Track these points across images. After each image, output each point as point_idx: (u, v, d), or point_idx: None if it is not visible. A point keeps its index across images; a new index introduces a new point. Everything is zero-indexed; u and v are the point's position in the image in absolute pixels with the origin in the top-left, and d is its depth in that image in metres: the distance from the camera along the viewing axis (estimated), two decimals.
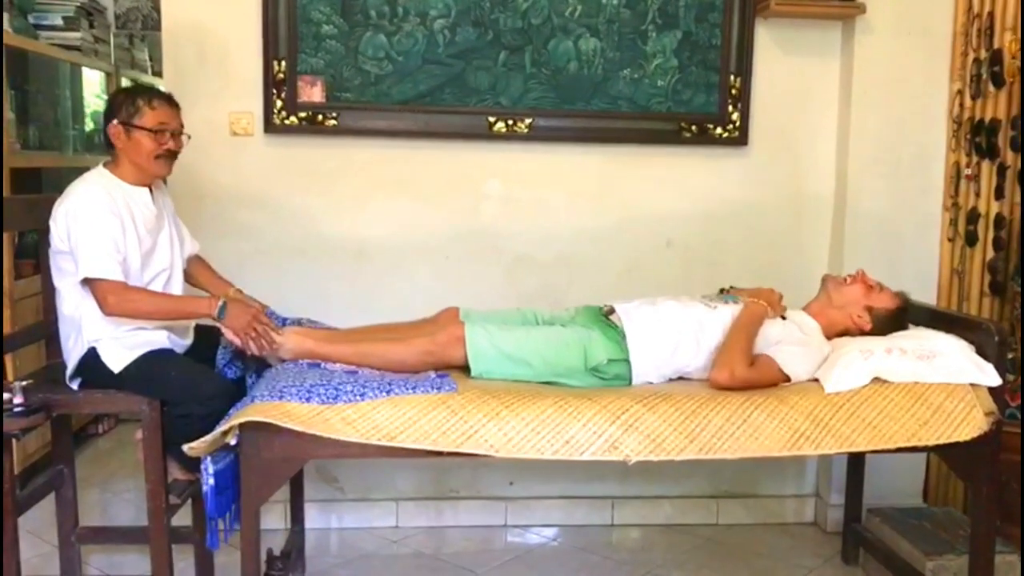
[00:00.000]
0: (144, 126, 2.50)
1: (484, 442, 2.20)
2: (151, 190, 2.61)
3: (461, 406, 2.23)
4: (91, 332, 2.50)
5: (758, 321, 2.57)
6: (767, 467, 3.47)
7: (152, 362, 2.50)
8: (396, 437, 2.19)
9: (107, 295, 2.41)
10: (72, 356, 2.54)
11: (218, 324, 2.48)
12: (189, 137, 2.62)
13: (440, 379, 2.36)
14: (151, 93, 2.57)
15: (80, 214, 2.44)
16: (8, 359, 2.60)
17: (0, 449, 2.40)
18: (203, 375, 2.53)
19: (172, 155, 2.58)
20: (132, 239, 2.50)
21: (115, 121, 2.50)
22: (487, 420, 2.21)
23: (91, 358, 2.50)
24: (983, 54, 3.21)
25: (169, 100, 2.57)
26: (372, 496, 3.38)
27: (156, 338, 2.55)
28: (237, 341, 2.47)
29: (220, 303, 2.47)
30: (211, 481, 2.27)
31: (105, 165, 2.59)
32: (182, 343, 2.65)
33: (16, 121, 3.68)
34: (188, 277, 2.81)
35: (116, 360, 2.48)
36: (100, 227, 2.43)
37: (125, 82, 4.79)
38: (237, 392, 2.47)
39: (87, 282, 2.43)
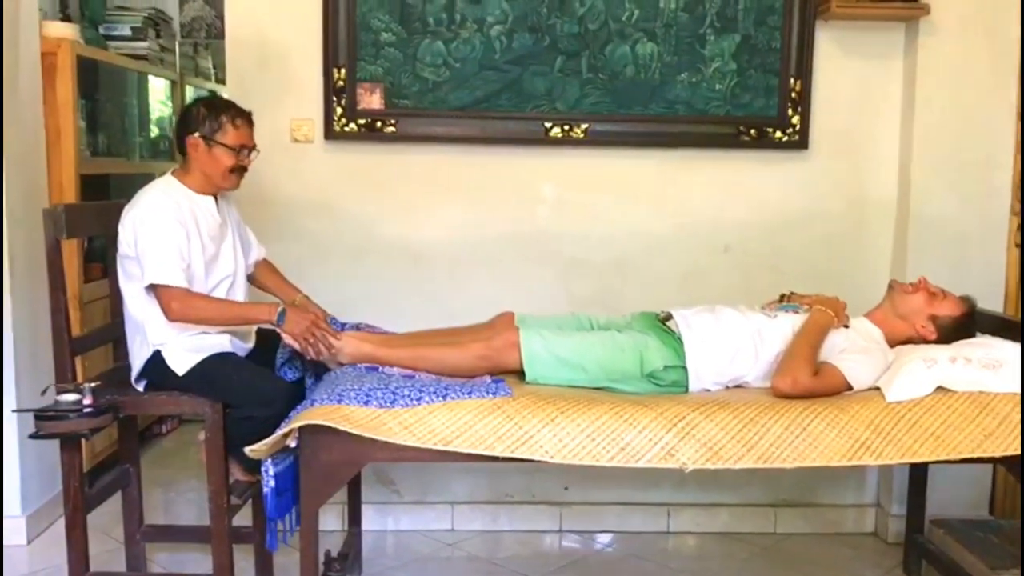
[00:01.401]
0: (225, 143, 2.57)
1: (539, 448, 2.20)
2: (216, 199, 2.67)
3: (516, 411, 2.23)
4: (156, 336, 2.56)
5: (824, 330, 2.53)
6: (826, 476, 3.41)
7: (215, 365, 2.55)
8: (452, 442, 2.20)
9: (171, 301, 2.48)
10: (137, 359, 2.61)
11: (277, 329, 2.52)
12: (259, 152, 2.68)
13: (495, 384, 2.37)
14: (234, 111, 2.62)
15: (147, 221, 2.50)
16: (78, 361, 2.67)
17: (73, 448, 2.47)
18: (264, 378, 2.58)
19: (244, 171, 2.65)
20: (196, 246, 2.55)
21: (196, 134, 2.57)
22: (542, 426, 2.21)
23: (156, 361, 2.56)
24: None
25: (249, 119, 2.64)
26: (428, 499, 3.41)
27: (219, 341, 2.60)
28: (296, 345, 2.52)
29: (280, 309, 2.51)
30: (271, 483, 2.31)
31: (173, 173, 2.66)
32: (244, 346, 2.70)
33: (86, 129, 3.78)
34: (256, 282, 2.88)
35: (180, 363, 2.54)
36: (166, 235, 2.49)
37: (190, 90, 4.90)
38: (297, 395, 2.51)
39: (152, 288, 2.50)
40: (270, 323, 2.52)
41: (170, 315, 2.49)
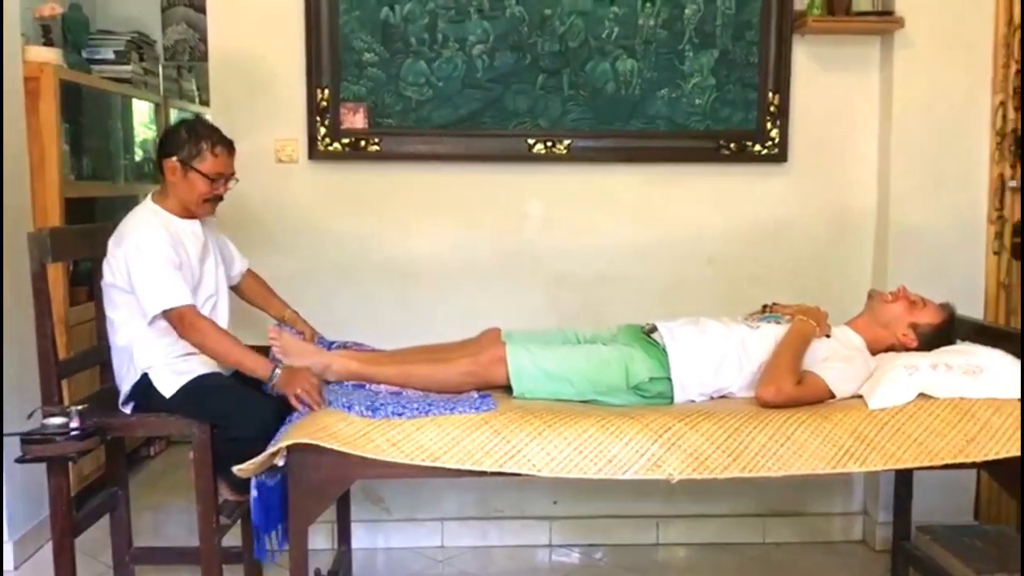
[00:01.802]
0: (202, 171, 2.57)
1: (527, 462, 2.21)
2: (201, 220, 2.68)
3: (504, 426, 2.25)
4: (143, 360, 2.57)
5: (806, 340, 2.56)
6: (814, 485, 3.44)
7: (202, 386, 2.56)
8: (440, 457, 2.21)
9: (182, 320, 2.48)
10: (125, 383, 2.61)
11: (271, 388, 2.45)
12: (237, 181, 2.68)
13: (481, 399, 2.39)
14: (215, 138, 2.60)
15: (140, 255, 2.49)
16: (64, 384, 2.67)
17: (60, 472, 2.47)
18: (251, 398, 2.57)
19: (219, 199, 2.65)
20: (186, 271, 2.56)
21: (175, 157, 2.56)
22: (529, 439, 2.22)
23: (143, 384, 2.57)
24: None
25: (230, 148, 2.62)
26: (418, 516, 3.41)
27: (206, 362, 2.61)
28: (280, 358, 2.52)
29: (274, 370, 2.45)
30: (255, 492, 2.31)
31: (153, 198, 2.66)
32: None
33: (70, 152, 3.79)
34: (244, 296, 2.89)
35: (167, 385, 2.55)
36: (161, 263, 2.48)
37: (174, 112, 4.91)
38: (285, 411, 2.52)
39: (164, 314, 2.48)
40: (263, 379, 2.47)
41: (181, 332, 2.49)
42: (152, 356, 2.56)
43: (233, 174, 2.65)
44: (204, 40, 4.31)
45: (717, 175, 3.34)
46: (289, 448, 2.23)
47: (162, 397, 2.55)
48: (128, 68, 4.36)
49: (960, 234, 3.30)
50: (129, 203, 4.47)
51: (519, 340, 2.62)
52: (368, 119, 3.22)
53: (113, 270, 2.56)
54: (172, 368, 2.57)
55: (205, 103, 4.92)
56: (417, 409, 2.29)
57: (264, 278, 2.97)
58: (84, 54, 4.23)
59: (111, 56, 4.30)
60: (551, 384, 2.50)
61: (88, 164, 4.05)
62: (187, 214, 2.64)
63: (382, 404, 2.30)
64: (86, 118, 4.03)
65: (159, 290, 2.47)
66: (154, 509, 3.76)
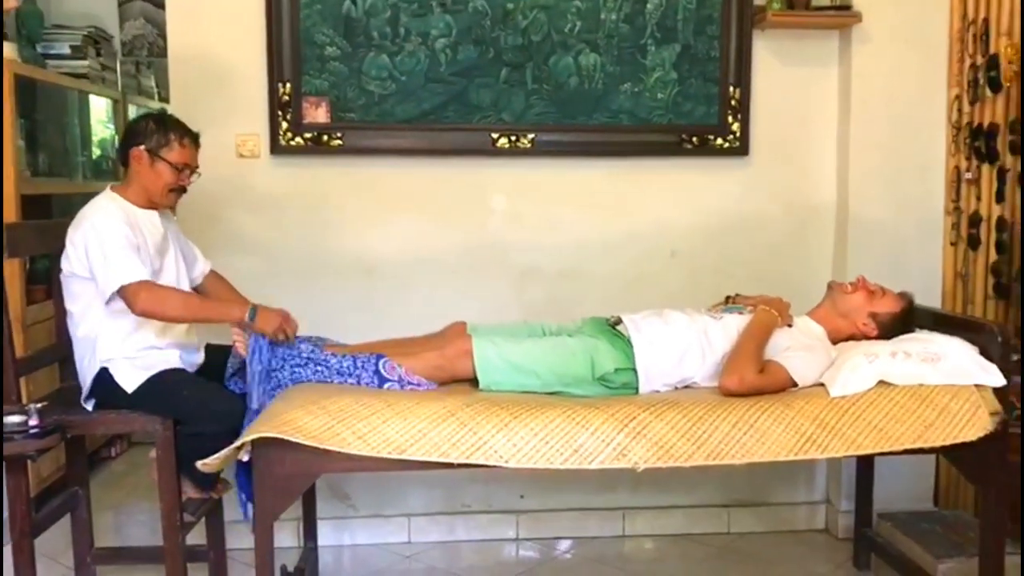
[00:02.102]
0: (169, 160, 2.58)
1: (494, 453, 2.22)
2: (159, 212, 2.66)
3: (470, 417, 2.25)
4: (104, 352, 2.54)
5: (768, 329, 2.59)
6: (778, 474, 3.48)
7: (164, 382, 2.54)
8: (407, 450, 2.21)
9: (139, 293, 2.44)
10: (86, 377, 2.58)
11: (249, 327, 2.49)
12: (199, 175, 2.69)
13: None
14: (182, 130, 2.62)
15: (97, 233, 2.48)
16: (22, 382, 2.63)
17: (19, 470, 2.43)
18: (215, 394, 2.57)
19: (183, 191, 2.66)
20: (145, 259, 2.53)
21: (142, 146, 2.57)
22: (496, 431, 2.23)
23: (104, 379, 2.54)
24: (979, 59, 3.24)
25: (196, 140, 2.65)
26: (384, 512, 3.40)
27: (167, 357, 2.59)
28: (243, 354, 2.50)
29: (250, 307, 2.51)
30: (245, 457, 2.29)
31: (113, 188, 2.65)
32: (194, 361, 2.69)
33: (26, 149, 3.72)
34: (207, 295, 2.86)
35: (129, 380, 2.52)
36: (118, 239, 2.47)
37: (133, 109, 4.85)
38: (246, 409, 2.50)
39: (119, 292, 2.45)
40: (241, 320, 2.50)
41: (137, 307, 2.44)
42: (113, 348, 2.54)
43: (197, 167, 2.66)
44: (163, 35, 4.27)
45: (680, 169, 3.37)
46: (254, 443, 2.22)
47: (124, 393, 2.52)
48: (85, 63, 4.29)
49: (918, 226, 3.35)
50: (86, 200, 4.41)
51: (485, 333, 2.63)
52: (330, 113, 3.20)
53: (71, 257, 2.53)
54: (134, 362, 2.54)
55: (164, 99, 4.85)
56: (348, 377, 2.47)
57: (226, 275, 2.94)
58: (39, 48, 4.16)
59: (67, 51, 4.24)
60: (517, 376, 2.51)
61: (44, 161, 3.99)
62: (148, 204, 2.63)
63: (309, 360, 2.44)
64: (41, 114, 3.96)
65: (115, 267, 2.45)
66: (116, 509, 3.72)
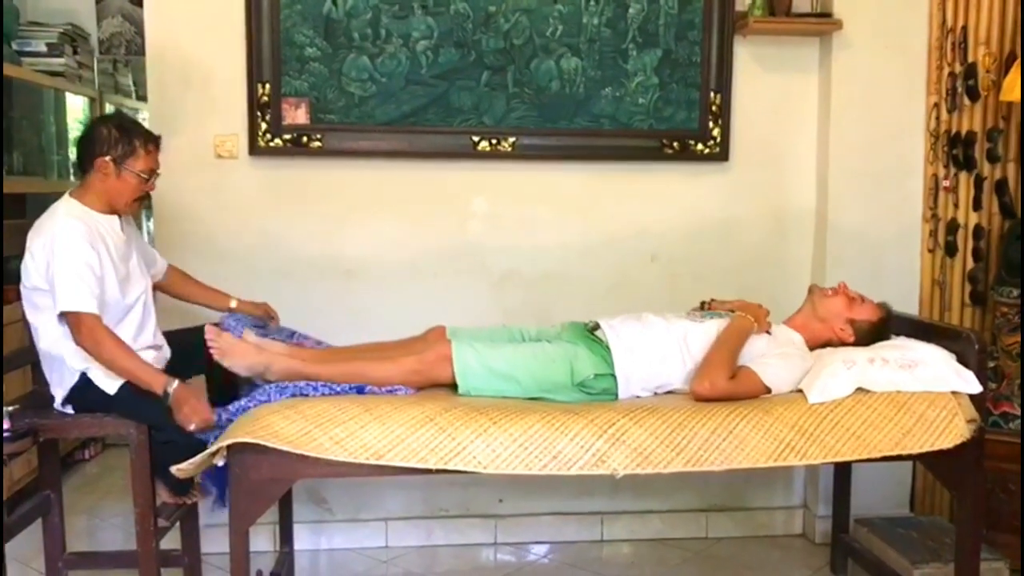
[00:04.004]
0: (135, 170, 2.52)
1: (472, 459, 2.20)
2: (119, 217, 2.61)
3: (449, 423, 2.23)
4: (79, 362, 2.49)
5: (744, 335, 2.59)
6: (755, 480, 3.49)
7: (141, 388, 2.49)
8: (384, 455, 2.19)
9: (81, 326, 2.39)
10: (60, 387, 2.54)
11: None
12: (159, 175, 2.62)
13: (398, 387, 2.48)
14: (145, 135, 2.55)
15: (59, 247, 2.41)
16: None
17: None
18: None
19: (147, 197, 2.63)
20: (109, 267, 2.49)
21: (107, 157, 2.49)
22: (475, 436, 2.21)
23: (83, 384, 2.50)
24: (958, 68, 3.26)
25: (158, 144, 2.57)
26: (361, 516, 3.38)
27: (144, 357, 2.55)
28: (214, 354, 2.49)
29: (169, 388, 2.41)
30: (221, 462, 2.26)
31: (72, 194, 2.57)
32: (164, 356, 2.69)
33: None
34: (177, 293, 2.86)
35: (110, 383, 2.48)
36: (79, 260, 2.41)
37: (110, 107, 4.80)
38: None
39: (63, 316, 2.41)
40: (157, 394, 2.42)
41: (77, 337, 2.40)
42: (82, 356, 2.48)
43: (158, 169, 2.60)
44: (140, 34, 4.21)
45: (660, 174, 3.37)
46: (230, 448, 2.20)
47: (104, 395, 2.48)
48: (61, 61, 4.24)
49: (896, 232, 3.37)
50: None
51: (465, 338, 2.61)
52: (310, 115, 3.18)
53: (30, 270, 2.46)
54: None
55: (142, 98, 4.82)
56: (326, 389, 2.37)
57: (203, 275, 2.93)
58: (14, 46, 4.11)
59: (43, 49, 4.19)
60: (497, 382, 2.50)
61: (19, 159, 3.94)
62: (108, 210, 2.57)
63: (288, 385, 2.37)
64: (16, 112, 3.92)
65: (69, 289, 2.39)
66: (89, 513, 3.68)
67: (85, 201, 2.54)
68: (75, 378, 2.50)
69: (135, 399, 2.47)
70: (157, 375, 2.45)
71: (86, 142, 2.54)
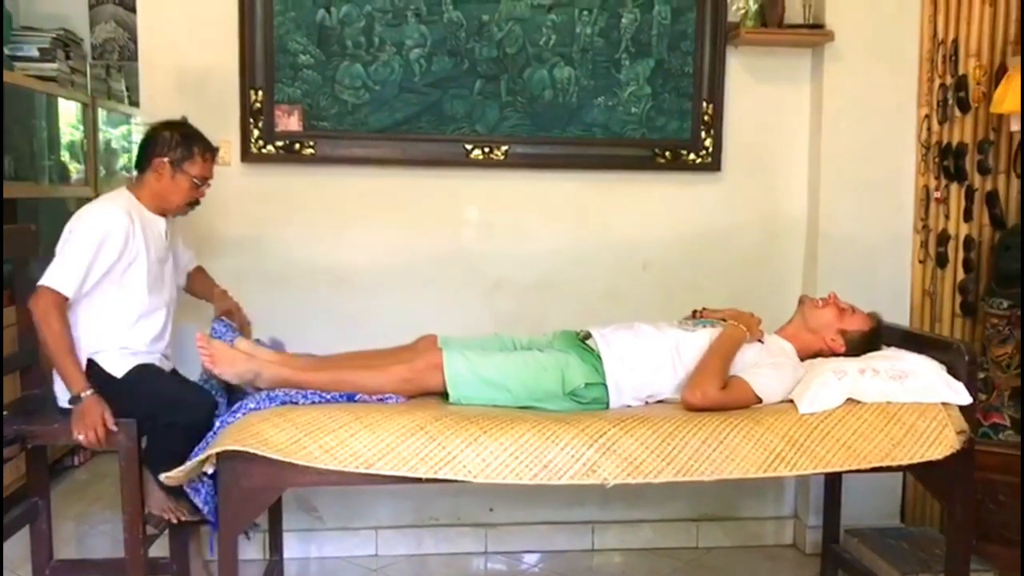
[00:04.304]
0: (192, 173, 2.62)
1: (462, 468, 2.19)
2: (166, 221, 2.71)
3: (439, 432, 2.23)
4: (91, 344, 2.55)
5: (736, 344, 2.59)
6: (746, 489, 3.48)
7: (148, 371, 2.59)
8: (374, 464, 2.18)
9: (40, 300, 2.44)
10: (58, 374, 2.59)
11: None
12: (210, 186, 2.72)
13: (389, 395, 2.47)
14: (205, 144, 2.66)
15: (83, 226, 2.51)
16: None
17: None
18: (190, 385, 2.62)
19: (198, 202, 2.72)
20: (141, 263, 2.58)
21: (166, 159, 2.60)
22: (465, 446, 2.21)
23: (91, 368, 2.54)
24: (949, 80, 3.28)
25: (215, 154, 2.71)
26: (352, 525, 3.37)
27: (150, 356, 2.64)
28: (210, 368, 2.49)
29: (84, 394, 2.45)
30: (210, 470, 2.26)
31: (128, 187, 2.68)
32: (168, 366, 2.75)
33: None
34: (190, 289, 2.93)
35: (118, 367, 2.55)
36: (88, 244, 2.48)
37: (102, 113, 4.80)
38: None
39: (39, 287, 2.46)
40: (71, 397, 2.47)
41: (32, 306, 2.46)
42: (100, 340, 2.56)
43: (212, 178, 2.71)
44: (134, 39, 4.22)
45: (653, 183, 3.38)
46: (219, 455, 2.19)
47: (111, 378, 2.53)
48: (54, 66, 4.24)
49: (887, 243, 3.38)
50: (53, 204, 4.36)
51: (456, 346, 2.60)
52: (303, 122, 3.18)
53: (62, 239, 2.54)
54: (127, 350, 2.58)
55: (135, 103, 4.82)
56: (316, 397, 2.36)
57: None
58: (7, 50, 4.10)
59: (35, 53, 4.19)
60: (488, 391, 2.49)
61: (10, 164, 3.92)
62: (160, 211, 2.67)
63: (279, 393, 2.37)
64: (8, 116, 3.90)
65: (59, 265, 2.46)
66: (77, 520, 3.66)
67: (139, 196, 2.64)
68: (83, 362, 2.54)
69: (139, 383, 2.54)
70: (80, 377, 2.47)
71: (148, 142, 2.65)
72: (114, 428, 2.46)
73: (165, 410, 2.47)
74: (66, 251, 2.48)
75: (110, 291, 2.56)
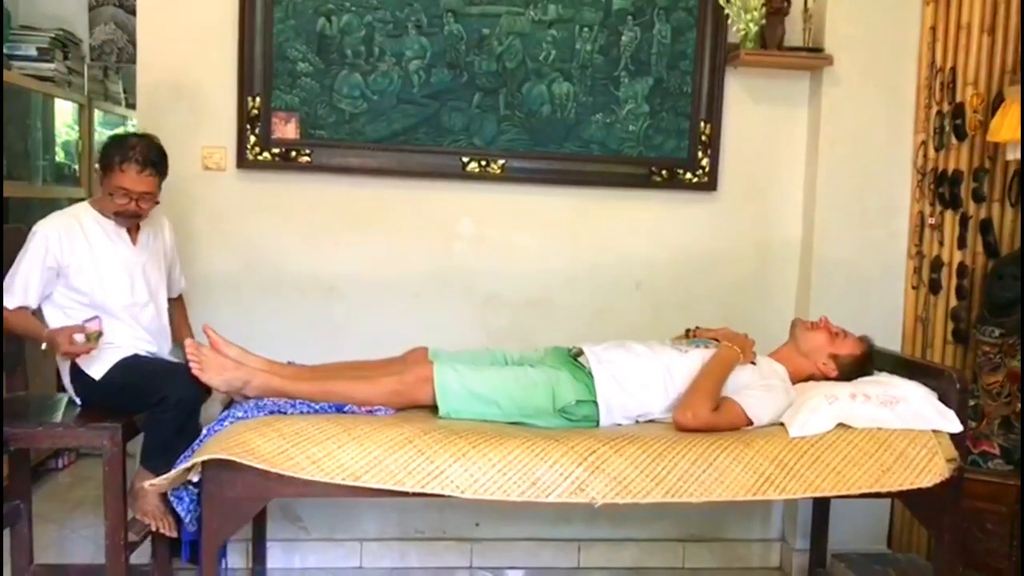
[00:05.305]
0: (112, 183, 2.62)
1: (450, 483, 2.18)
2: (136, 227, 2.76)
3: (428, 446, 2.21)
4: None
5: (729, 366, 2.59)
6: (733, 511, 3.47)
7: (128, 364, 2.64)
8: (361, 477, 2.17)
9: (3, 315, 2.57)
10: (67, 375, 2.71)
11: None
12: (158, 202, 2.73)
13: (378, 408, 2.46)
14: (128, 153, 2.61)
15: (29, 243, 2.61)
16: None
17: None
18: (176, 365, 2.65)
19: (131, 215, 2.68)
20: (86, 264, 2.64)
21: (97, 164, 2.67)
22: (453, 460, 2.19)
23: (74, 371, 2.65)
24: (946, 107, 3.29)
25: (142, 165, 2.61)
26: (336, 536, 3.34)
27: (134, 347, 2.71)
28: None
29: (44, 332, 2.55)
30: (195, 478, 2.26)
31: (91, 201, 2.77)
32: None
33: None
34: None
35: (96, 369, 2.62)
36: (33, 260, 2.59)
37: (99, 114, 4.78)
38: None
39: None
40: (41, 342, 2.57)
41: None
42: None
43: (147, 194, 2.66)
44: (133, 41, 4.21)
45: (648, 201, 3.37)
46: (204, 464, 2.17)
47: (93, 381, 2.61)
48: (51, 67, 4.23)
49: (881, 268, 3.38)
50: (47, 204, 4.34)
51: (446, 360, 2.60)
52: (300, 130, 3.17)
53: None
54: (99, 356, 2.62)
55: (132, 106, 4.79)
56: (304, 407, 2.36)
57: (186, 285, 3.05)
58: (4, 49, 4.09)
59: (33, 53, 4.17)
60: (478, 405, 2.48)
61: (3, 163, 3.90)
62: (114, 218, 2.71)
63: (267, 402, 2.36)
64: (3, 115, 3.88)
65: (6, 282, 2.59)
66: (59, 524, 3.62)
67: (97, 207, 2.72)
68: (67, 367, 2.67)
69: (123, 376, 2.60)
70: (35, 324, 2.60)
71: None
72: (84, 324, 2.51)
73: (152, 387, 2.51)
74: (18, 261, 2.60)
75: (65, 293, 2.65)
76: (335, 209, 3.25)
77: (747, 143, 3.38)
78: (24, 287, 2.59)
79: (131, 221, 2.71)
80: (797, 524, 3.39)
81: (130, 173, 2.60)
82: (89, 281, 2.65)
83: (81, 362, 2.61)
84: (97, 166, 2.65)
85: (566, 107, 3.27)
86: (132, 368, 2.62)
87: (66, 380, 2.72)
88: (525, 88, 3.24)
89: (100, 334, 2.52)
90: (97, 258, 2.66)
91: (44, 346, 2.53)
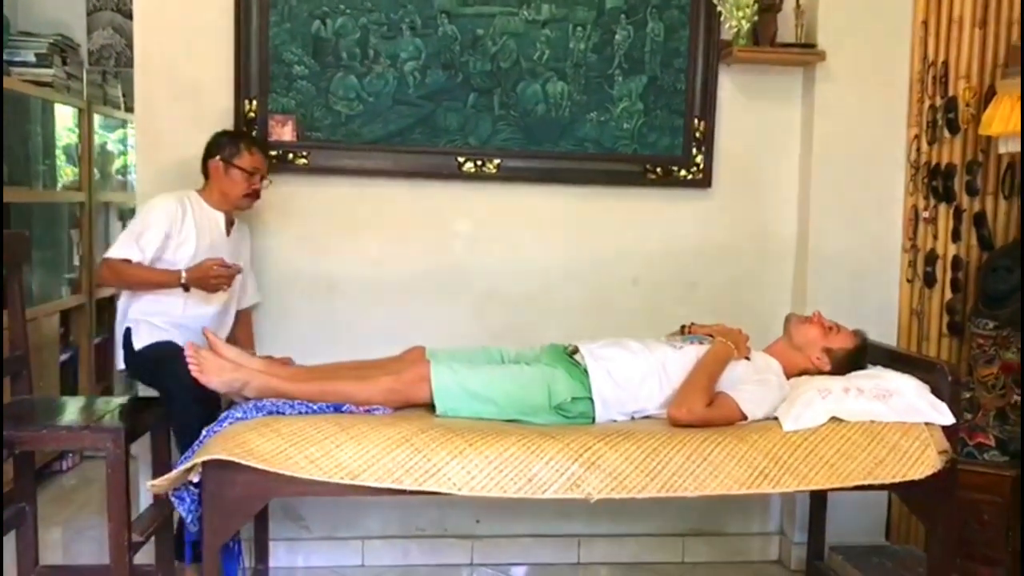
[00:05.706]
0: (241, 166, 2.90)
1: (447, 480, 2.21)
2: (231, 220, 2.99)
3: (425, 444, 2.24)
4: (132, 313, 2.86)
5: (723, 361, 2.61)
6: (732, 505, 3.49)
7: (165, 348, 2.76)
8: (359, 475, 2.20)
9: (104, 268, 2.79)
10: (121, 344, 2.89)
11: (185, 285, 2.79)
12: (271, 182, 3.00)
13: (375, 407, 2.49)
14: (251, 139, 2.98)
15: (140, 211, 2.89)
16: None
17: None
18: (187, 373, 2.64)
19: (256, 195, 2.97)
20: (189, 245, 2.83)
21: (217, 158, 2.91)
22: (450, 458, 2.22)
23: (125, 338, 2.86)
24: (938, 101, 3.31)
25: (263, 149, 3.00)
26: (338, 535, 3.37)
27: (181, 333, 2.83)
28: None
29: (182, 281, 2.77)
30: (196, 478, 2.28)
31: (196, 190, 2.97)
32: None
33: None
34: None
35: (142, 338, 2.82)
36: (151, 222, 2.80)
37: (98, 118, 4.81)
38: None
39: (104, 260, 2.79)
40: (178, 284, 2.78)
41: (101, 280, 2.78)
42: (135, 311, 2.84)
43: (267, 174, 2.98)
44: (131, 46, 4.21)
45: (643, 199, 3.39)
46: (205, 464, 2.19)
47: (133, 350, 2.81)
48: (50, 72, 4.24)
49: (876, 262, 3.40)
50: (48, 209, 4.37)
51: (443, 359, 2.62)
52: (296, 132, 3.19)
53: None
54: (153, 320, 2.83)
55: (131, 110, 4.79)
56: (303, 408, 2.39)
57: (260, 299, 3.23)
58: (4, 55, 4.11)
59: (32, 59, 4.19)
60: (475, 403, 2.50)
61: (4, 168, 3.92)
62: (226, 206, 2.95)
63: (265, 403, 2.39)
64: (3, 121, 3.91)
65: (122, 240, 2.79)
66: (64, 526, 3.65)
67: (205, 196, 2.95)
68: (123, 332, 2.87)
69: (158, 356, 2.76)
70: (173, 273, 2.79)
71: (205, 150, 2.95)
72: (227, 262, 2.81)
73: (182, 375, 2.53)
74: (132, 223, 2.85)
75: (157, 266, 2.82)
76: (332, 210, 3.27)
77: (741, 140, 3.40)
78: (145, 246, 2.78)
79: (253, 202, 2.97)
80: (795, 517, 3.41)
81: (259, 154, 2.94)
82: (186, 256, 2.82)
83: (134, 327, 2.82)
84: (218, 158, 2.89)
85: (561, 106, 3.29)
86: (168, 357, 2.72)
87: (118, 344, 2.89)
88: (520, 88, 3.26)
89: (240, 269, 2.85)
90: (198, 236, 2.85)
91: (184, 278, 2.74)
